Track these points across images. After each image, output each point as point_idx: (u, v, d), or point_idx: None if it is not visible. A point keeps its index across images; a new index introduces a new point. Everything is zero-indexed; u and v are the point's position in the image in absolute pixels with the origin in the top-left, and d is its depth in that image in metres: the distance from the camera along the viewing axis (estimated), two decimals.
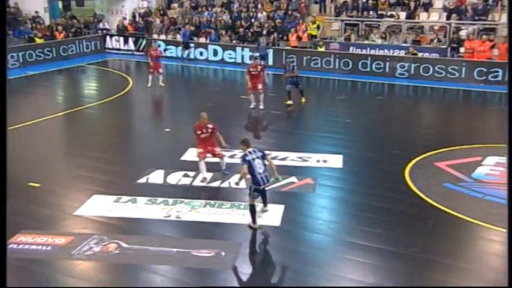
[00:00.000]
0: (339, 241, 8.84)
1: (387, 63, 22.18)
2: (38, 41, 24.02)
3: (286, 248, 8.55)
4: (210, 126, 11.08)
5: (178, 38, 25.52)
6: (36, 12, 25.74)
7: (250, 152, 8.94)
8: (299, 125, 15.47)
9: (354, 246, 8.58)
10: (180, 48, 25.03)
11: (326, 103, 19.30)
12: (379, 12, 24.94)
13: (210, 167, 11.37)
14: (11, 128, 13.97)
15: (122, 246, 8.38)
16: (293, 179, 11.11)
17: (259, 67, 17.01)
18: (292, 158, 12.39)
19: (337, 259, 8.30)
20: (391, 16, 24.56)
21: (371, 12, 25.03)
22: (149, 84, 19.85)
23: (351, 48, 23.43)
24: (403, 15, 24.46)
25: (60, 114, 16.44)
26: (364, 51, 23.11)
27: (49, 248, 8.32)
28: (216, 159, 11.42)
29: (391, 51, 22.95)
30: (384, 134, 14.77)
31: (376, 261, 8.13)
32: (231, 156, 12.17)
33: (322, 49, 23.55)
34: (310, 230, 9.21)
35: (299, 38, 23.77)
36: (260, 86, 16.84)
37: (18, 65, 22.33)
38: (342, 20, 25.15)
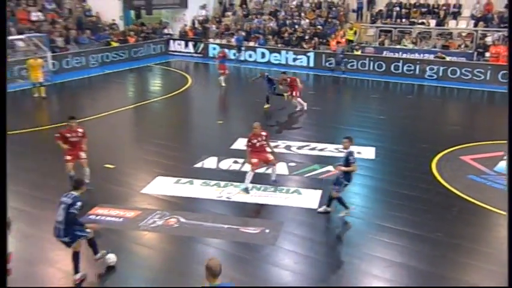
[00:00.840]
0: (370, 224, 8.69)
1: (417, 66, 21.55)
2: (114, 44, 24.58)
3: (322, 228, 8.49)
4: (263, 133, 10.08)
5: (233, 41, 25.59)
6: (113, 20, 26.36)
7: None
8: (336, 120, 15.23)
9: (384, 229, 8.43)
10: (232, 51, 25.06)
11: (361, 101, 18.93)
12: (411, 19, 24.22)
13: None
14: (91, 118, 14.47)
15: (180, 221, 8.53)
16: (330, 167, 10.98)
17: (288, 79, 16.18)
18: (329, 149, 12.24)
19: (368, 239, 8.16)
20: (422, 23, 23.81)
21: (403, 20, 24.36)
22: (223, 84, 19.47)
23: (384, 52, 22.84)
24: (433, 22, 23.66)
25: (131, 106, 16.80)
26: (396, 55, 22.51)
27: (121, 219, 8.58)
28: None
29: (421, 55, 22.26)
30: (414, 130, 14.37)
31: (404, 243, 7.96)
32: (275, 147, 12.12)
33: (358, 52, 23.08)
34: None
35: (338, 43, 23.39)
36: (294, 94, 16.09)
37: (97, 65, 22.89)
38: (377, 27, 24.55)
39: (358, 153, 11.92)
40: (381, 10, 25.20)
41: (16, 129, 13.08)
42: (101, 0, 26.43)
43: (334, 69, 22.28)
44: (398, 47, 23.07)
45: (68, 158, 9.63)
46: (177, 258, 7.62)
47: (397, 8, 24.79)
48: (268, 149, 10.13)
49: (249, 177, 9.77)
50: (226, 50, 22.76)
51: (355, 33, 24.31)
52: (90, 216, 8.59)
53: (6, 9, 3.17)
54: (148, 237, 8.17)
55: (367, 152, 12.00)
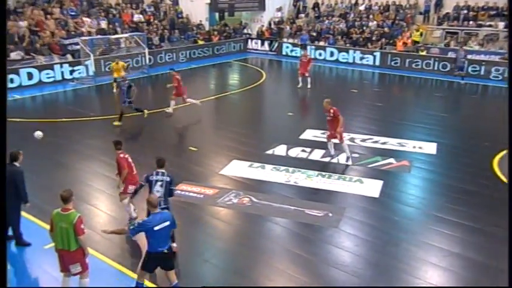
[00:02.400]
0: (429, 215, 8.29)
1: (482, 67, 20.01)
2: (200, 42, 25.21)
3: (382, 216, 8.21)
4: (331, 110, 10.27)
5: (297, 41, 25.36)
6: (200, 21, 27.01)
7: None
8: (399, 116, 14.57)
9: (441, 220, 8.01)
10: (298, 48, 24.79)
11: (424, 99, 17.97)
12: (478, 22, 22.46)
13: (321, 145, 11.24)
14: (178, 106, 14.99)
15: (253, 201, 8.65)
16: (391, 160, 10.59)
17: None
18: (391, 143, 11.78)
19: (426, 229, 7.79)
20: (490, 26, 21.99)
21: (471, 22, 22.64)
22: (299, 85, 18.32)
23: (449, 53, 21.43)
24: (501, 25, 21.76)
25: (212, 97, 17.19)
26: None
27: (201, 196, 8.86)
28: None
29: (487, 56, 20.60)
30: (476, 128, 13.43)
31: (460, 234, 7.54)
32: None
33: (424, 53, 21.86)
34: (404, 203, 8.75)
35: (404, 44, 22.30)
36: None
37: (186, 60, 23.53)
38: (444, 29, 23.07)
39: (420, 148, 11.43)
40: (448, 13, 23.63)
41: (117, 114, 13.85)
42: (190, 3, 27.19)
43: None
44: (464, 48, 21.53)
45: None
46: (248, 233, 7.74)
47: (465, 11, 23.12)
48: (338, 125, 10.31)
49: (329, 146, 10.70)
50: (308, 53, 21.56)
51: (421, 34, 23.05)
52: (176, 191, 8.90)
53: (6, 11, 3.19)
54: (224, 212, 8.37)
55: (429, 147, 11.41)
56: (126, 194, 7.69)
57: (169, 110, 14.26)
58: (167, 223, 5.60)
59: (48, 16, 20.54)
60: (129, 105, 13.14)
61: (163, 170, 6.81)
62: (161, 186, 6.68)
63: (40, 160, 10.82)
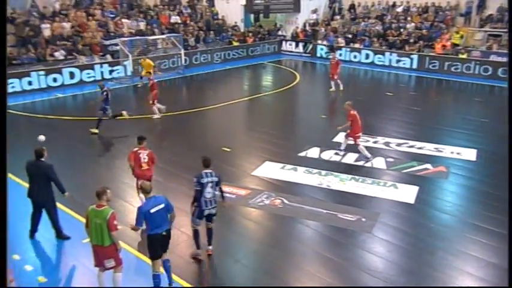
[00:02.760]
0: (465, 223, 8.01)
1: None
2: (235, 43, 25.40)
3: (417, 223, 8.00)
4: (350, 113, 10.70)
5: (325, 42, 25.15)
6: (235, 22, 27.23)
7: None
8: (437, 121, 14.14)
9: (478, 228, 7.73)
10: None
11: (463, 103, 17.37)
12: None
13: (355, 148, 11.07)
14: (212, 107, 15.18)
15: (284, 202, 8.63)
16: (428, 165, 10.31)
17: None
18: (428, 148, 11.46)
19: (462, 237, 7.54)
20: None
21: None
22: (332, 88, 17.91)
23: (491, 56, 20.62)
24: None
25: (246, 98, 17.27)
26: (505, 59, 20.11)
27: (234, 196, 8.90)
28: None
29: None
30: None
31: (498, 244, 7.24)
32: (374, 142, 11.69)
33: (464, 56, 21.13)
34: (440, 210, 8.49)
35: (443, 46, 21.64)
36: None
37: (220, 61, 23.77)
38: (486, 31, 22.22)
39: (458, 153, 11.07)
40: (491, 14, 22.72)
41: (151, 113, 14.18)
42: (226, 5, 27.45)
43: None
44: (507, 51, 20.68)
45: None
46: (279, 235, 7.72)
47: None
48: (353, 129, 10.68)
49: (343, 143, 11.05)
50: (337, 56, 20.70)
51: (461, 37, 22.29)
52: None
53: (6, 12, 3.19)
54: (256, 213, 8.39)
55: (468, 153, 11.03)
56: (138, 189, 7.98)
57: (157, 115, 14.04)
58: (162, 205, 5.97)
59: (90, 18, 21.26)
60: (105, 114, 12.67)
61: (210, 170, 6.71)
62: (211, 187, 6.64)
63: (79, 157, 11.22)
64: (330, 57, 19.59)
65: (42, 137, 10.30)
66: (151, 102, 14.06)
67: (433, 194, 9.09)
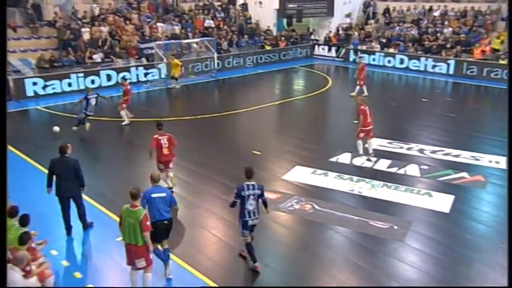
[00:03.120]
0: (501, 233, 7.63)
1: None
2: (267, 47, 25.46)
3: (452, 233, 7.74)
4: (360, 107, 10.98)
5: (365, 47, 24.79)
6: (268, 26, 27.32)
7: None
8: (474, 128, 13.67)
9: None
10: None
11: (503, 111, 16.64)
12: None
13: (388, 155, 10.87)
14: (244, 110, 15.25)
15: (315, 208, 8.55)
16: (464, 174, 9.98)
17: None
18: (464, 156, 11.10)
19: (500, 250, 7.21)
20: None
21: None
22: (360, 93, 17.18)
23: None
24: None
25: (276, 102, 17.26)
26: None
27: None
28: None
29: None
30: None
31: None
32: (408, 149, 11.40)
33: (504, 62, 20.35)
34: (477, 220, 8.19)
35: (483, 52, 20.92)
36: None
37: (252, 65, 23.87)
38: None
39: (497, 162, 10.67)
40: None
41: (184, 116, 14.42)
42: (259, 9, 27.58)
43: None
44: None
45: None
46: (308, 240, 7.65)
47: None
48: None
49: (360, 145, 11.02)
50: (364, 61, 20.28)
51: (502, 42, 21.49)
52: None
53: (6, 12, 3.19)
54: (286, 218, 8.35)
55: (506, 163, 10.59)
56: (158, 170, 8.68)
57: (126, 121, 13.88)
58: (163, 194, 6.46)
59: (127, 22, 21.85)
60: (85, 117, 12.79)
61: (253, 182, 6.48)
62: (253, 199, 6.44)
63: (115, 157, 11.52)
64: (361, 60, 19.11)
65: (56, 128, 11.22)
66: (120, 107, 13.90)
67: (469, 204, 8.78)
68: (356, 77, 17.66)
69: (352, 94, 17.38)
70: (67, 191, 7.42)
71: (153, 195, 6.37)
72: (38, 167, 10.14)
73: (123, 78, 15.34)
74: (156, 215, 6.33)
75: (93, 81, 18.16)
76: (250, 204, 6.45)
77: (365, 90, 17.21)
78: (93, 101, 12.90)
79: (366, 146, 11.02)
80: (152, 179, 6.56)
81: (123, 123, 13.82)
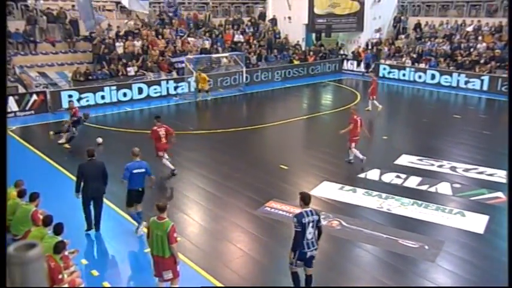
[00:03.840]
0: None
1: None
2: (295, 62, 25.54)
3: (487, 255, 7.44)
4: (353, 117, 11.59)
5: (396, 62, 24.43)
6: (297, 41, 27.46)
7: None
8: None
9: None
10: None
11: None
12: None
13: (418, 172, 10.61)
14: (272, 124, 15.29)
15: (342, 224, 8.42)
16: (499, 194, 9.62)
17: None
18: (499, 175, 10.70)
19: None
20: None
21: None
22: (368, 107, 17.56)
23: None
24: None
25: (304, 117, 17.21)
26: None
27: (291, 215, 8.72)
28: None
29: None
30: None
31: None
32: (439, 166, 11.10)
33: None
34: None
35: None
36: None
37: (280, 79, 23.94)
38: None
39: None
40: None
41: (212, 129, 14.59)
42: (288, 24, 27.79)
43: None
44: None
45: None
46: (335, 257, 7.52)
47: None
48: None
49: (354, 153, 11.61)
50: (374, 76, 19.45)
51: None
52: (266, 208, 9.05)
53: (5, 12, 3.27)
54: None
55: None
56: (158, 157, 10.54)
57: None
58: (143, 170, 7.85)
59: (160, 36, 22.44)
60: (68, 132, 13.02)
61: (310, 208, 6.13)
62: (312, 226, 6.05)
63: None
64: (369, 75, 19.18)
65: (99, 139, 12.48)
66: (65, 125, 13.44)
67: (504, 225, 8.41)
68: (370, 92, 17.67)
69: (367, 108, 17.42)
70: (94, 191, 7.91)
71: (135, 171, 7.76)
72: (71, 178, 10.44)
73: (71, 101, 14.58)
74: (133, 185, 7.80)
75: (125, 94, 18.65)
76: (310, 233, 6.03)
77: (377, 103, 17.36)
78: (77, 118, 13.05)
79: (355, 153, 11.60)
80: (133, 153, 7.94)
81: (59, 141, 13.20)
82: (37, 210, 6.85)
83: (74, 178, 8.49)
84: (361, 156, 11.43)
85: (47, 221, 6.37)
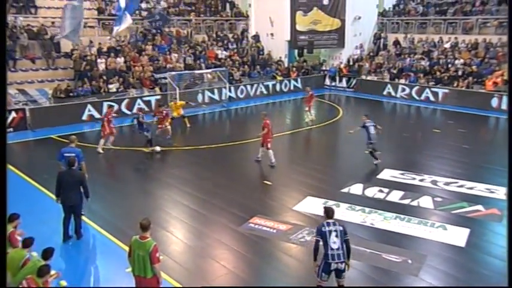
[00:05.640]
0: None
1: None
2: (278, 78, 25.82)
3: (469, 268, 7.54)
4: (264, 122, 12.67)
5: (376, 78, 24.90)
6: (280, 57, 27.81)
7: None
8: (489, 160, 13.44)
9: None
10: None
11: None
12: None
13: (400, 186, 10.74)
14: (254, 140, 15.30)
15: None
16: (479, 207, 9.80)
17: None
18: (479, 189, 10.91)
19: None
20: None
21: None
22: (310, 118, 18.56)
23: None
24: None
25: (288, 132, 17.30)
26: None
27: (275, 231, 8.81)
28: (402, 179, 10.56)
29: None
30: None
31: None
32: (420, 180, 11.26)
33: None
34: (494, 255, 7.96)
35: (495, 83, 20.88)
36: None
37: (264, 95, 24.14)
38: None
39: None
40: None
41: (195, 145, 14.54)
42: (271, 41, 28.13)
43: None
44: None
45: None
46: None
47: None
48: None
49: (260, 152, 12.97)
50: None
51: None
52: (250, 224, 9.01)
53: (6, 13, 3.35)
54: (296, 250, 8.23)
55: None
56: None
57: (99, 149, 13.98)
58: (73, 154, 8.87)
59: (143, 53, 22.41)
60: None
61: (333, 220, 6.35)
62: (336, 236, 6.17)
63: (127, 186, 11.59)
64: (309, 89, 19.59)
65: (158, 148, 13.76)
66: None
67: (485, 238, 8.58)
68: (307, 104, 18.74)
69: (307, 120, 18.54)
70: (71, 201, 8.07)
71: (66, 154, 8.98)
72: (52, 197, 10.23)
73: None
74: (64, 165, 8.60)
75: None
76: (334, 243, 6.12)
77: (312, 114, 18.61)
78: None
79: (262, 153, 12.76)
80: (70, 140, 9.58)
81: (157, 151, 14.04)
82: (14, 231, 6.66)
83: (55, 197, 8.37)
84: (272, 159, 12.65)
85: (27, 242, 6.21)
